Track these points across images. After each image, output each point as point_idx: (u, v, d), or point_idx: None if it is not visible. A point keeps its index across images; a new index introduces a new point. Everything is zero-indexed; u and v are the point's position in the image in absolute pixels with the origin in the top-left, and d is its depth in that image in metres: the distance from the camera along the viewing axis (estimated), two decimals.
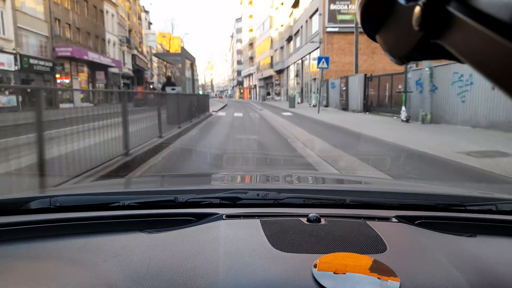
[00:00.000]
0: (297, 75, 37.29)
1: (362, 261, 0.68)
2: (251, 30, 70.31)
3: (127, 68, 40.80)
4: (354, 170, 5.04)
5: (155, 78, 76.19)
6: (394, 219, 0.94)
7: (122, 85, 39.48)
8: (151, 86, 69.66)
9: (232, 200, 1.04)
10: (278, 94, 48.97)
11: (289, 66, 42.05)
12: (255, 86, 67.74)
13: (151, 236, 0.83)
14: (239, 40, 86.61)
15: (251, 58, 70.27)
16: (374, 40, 0.39)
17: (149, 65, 55.85)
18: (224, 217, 0.91)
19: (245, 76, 79.71)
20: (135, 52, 44.32)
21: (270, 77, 51.91)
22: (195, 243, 0.78)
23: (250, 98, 73.33)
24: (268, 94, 47.17)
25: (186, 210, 0.98)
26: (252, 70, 68.35)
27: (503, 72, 0.23)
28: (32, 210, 0.96)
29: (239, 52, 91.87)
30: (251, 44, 69.52)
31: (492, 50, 0.23)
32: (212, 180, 1.71)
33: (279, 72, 48.45)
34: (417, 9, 0.28)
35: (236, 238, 0.80)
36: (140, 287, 0.61)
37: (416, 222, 0.93)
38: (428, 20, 0.27)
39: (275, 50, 49.33)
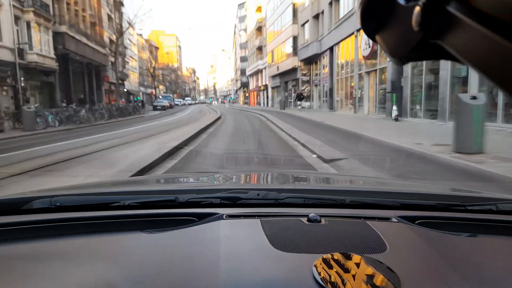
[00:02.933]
0: (371, 56, 17.29)
1: (362, 261, 0.68)
2: (258, 9, 51.50)
3: (37, 55, 21.93)
4: None
5: (134, 80, 57.64)
6: (394, 219, 0.93)
7: (22, 83, 20.70)
8: (125, 90, 50.96)
9: (232, 200, 1.03)
10: (307, 99, 29.78)
11: (336, 44, 22.62)
12: (265, 87, 48.73)
13: (151, 236, 0.83)
14: (243, 30, 68.26)
15: (260, 49, 51.27)
16: (374, 40, 0.38)
17: (111, 59, 37.40)
18: (224, 217, 0.91)
19: (251, 75, 60.90)
20: (64, 29, 25.46)
21: (293, 70, 32.70)
22: (195, 243, 0.79)
23: (259, 104, 54.54)
24: (300, 97, 26.87)
25: (187, 210, 0.98)
26: (261, 65, 49.38)
27: (503, 72, 0.23)
28: (32, 210, 0.95)
29: (243, 46, 73.42)
30: (259, 29, 50.59)
31: (492, 50, 0.23)
32: (213, 180, 1.67)
33: (309, 61, 29.35)
34: (417, 9, 0.27)
35: (236, 238, 0.81)
36: (140, 287, 0.62)
37: (416, 222, 0.93)
38: (428, 20, 0.27)
39: (302, 25, 30.21)
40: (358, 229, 0.85)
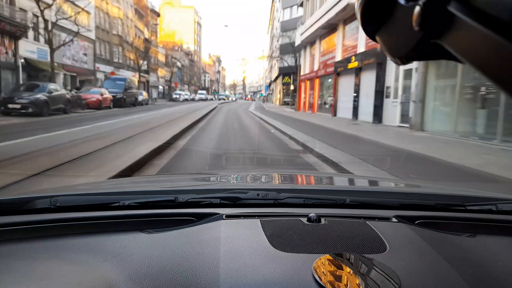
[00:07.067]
0: None
1: (362, 261, 0.68)
2: None
3: None
4: None
5: (77, 47, 27.61)
6: (394, 219, 0.94)
7: None
8: (22, 60, 20.76)
9: (232, 200, 1.04)
10: None
11: None
12: (377, 56, 15.84)
13: (151, 236, 0.83)
14: None
15: None
16: (374, 40, 0.38)
17: None
18: (224, 217, 0.92)
19: (310, 42, 28.65)
20: None
21: None
22: (195, 243, 0.79)
23: (333, 111, 22.04)
24: None
25: (186, 210, 0.98)
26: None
27: (503, 72, 0.22)
28: (32, 210, 0.96)
29: (286, 5, 41.68)
30: None
31: (492, 50, 0.22)
32: (212, 180, 1.65)
33: None
34: (417, 9, 0.27)
35: (236, 238, 0.81)
36: (140, 287, 0.62)
37: (416, 222, 0.93)
38: (428, 20, 0.27)
39: None
40: (358, 229, 0.85)
